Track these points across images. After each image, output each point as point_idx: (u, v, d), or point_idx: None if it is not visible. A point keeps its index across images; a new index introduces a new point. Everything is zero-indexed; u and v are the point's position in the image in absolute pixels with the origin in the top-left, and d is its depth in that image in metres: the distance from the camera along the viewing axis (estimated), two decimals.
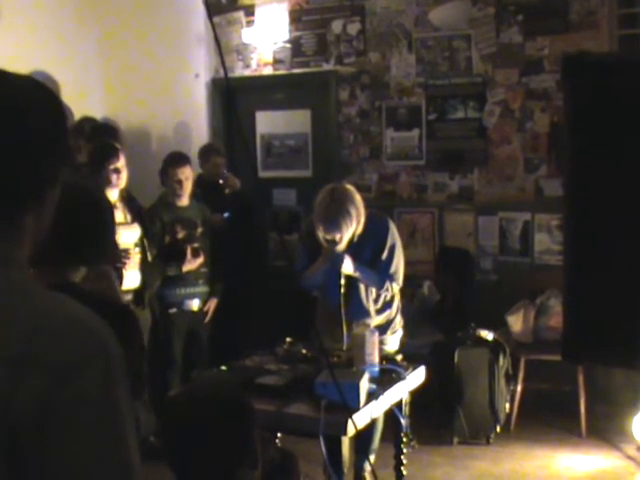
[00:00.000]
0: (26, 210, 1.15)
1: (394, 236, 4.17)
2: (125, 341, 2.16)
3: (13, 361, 1.01)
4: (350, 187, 4.12)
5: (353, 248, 4.08)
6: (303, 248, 4.30)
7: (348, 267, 4.04)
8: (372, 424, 3.84)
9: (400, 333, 4.37)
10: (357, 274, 4.08)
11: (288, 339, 4.03)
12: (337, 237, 3.98)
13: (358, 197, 4.05)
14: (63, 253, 2.07)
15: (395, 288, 4.20)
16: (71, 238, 2.07)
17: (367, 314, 4.16)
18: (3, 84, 1.15)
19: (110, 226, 2.28)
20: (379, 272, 4.12)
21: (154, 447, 3.44)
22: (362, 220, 4.04)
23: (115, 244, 2.47)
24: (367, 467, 4.21)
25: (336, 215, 3.95)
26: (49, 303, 1.11)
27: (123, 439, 1.06)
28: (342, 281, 4.10)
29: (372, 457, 4.21)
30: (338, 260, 4.01)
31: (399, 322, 4.34)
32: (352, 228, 4.00)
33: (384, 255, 4.12)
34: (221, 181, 5.90)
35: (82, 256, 2.18)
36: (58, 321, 1.07)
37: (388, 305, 4.25)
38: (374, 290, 4.18)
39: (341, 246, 4.02)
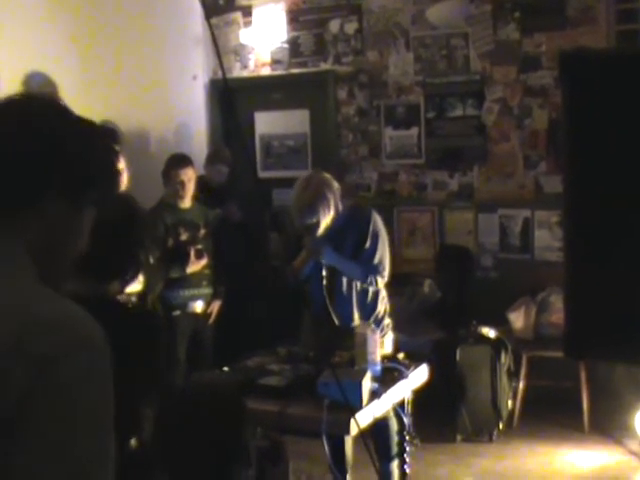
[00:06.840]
0: (22, 211, 1.19)
1: (377, 225, 4.02)
2: (153, 342, 2.22)
3: (1, 354, 1.05)
4: (326, 175, 4.04)
5: (334, 240, 3.97)
6: (287, 243, 4.28)
7: (330, 258, 3.94)
8: (387, 429, 3.84)
9: (390, 336, 4.13)
10: (339, 265, 3.96)
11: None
12: (314, 221, 3.89)
13: (335, 184, 3.99)
14: (112, 270, 2.16)
15: (380, 282, 4.00)
16: (118, 257, 2.17)
17: (351, 311, 4.01)
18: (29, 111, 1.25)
19: (144, 244, 2.39)
20: (362, 263, 3.96)
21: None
22: (340, 207, 3.96)
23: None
24: (392, 470, 4.00)
25: (312, 199, 3.88)
26: (39, 299, 1.14)
27: (87, 435, 1.08)
28: (324, 273, 3.98)
29: (395, 462, 3.98)
30: (318, 250, 3.93)
31: (388, 325, 4.13)
32: (330, 213, 3.91)
33: (367, 244, 3.97)
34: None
35: (122, 272, 2.26)
36: (44, 316, 1.10)
37: (372, 306, 4.07)
38: (358, 285, 4.02)
39: (319, 231, 3.93)
